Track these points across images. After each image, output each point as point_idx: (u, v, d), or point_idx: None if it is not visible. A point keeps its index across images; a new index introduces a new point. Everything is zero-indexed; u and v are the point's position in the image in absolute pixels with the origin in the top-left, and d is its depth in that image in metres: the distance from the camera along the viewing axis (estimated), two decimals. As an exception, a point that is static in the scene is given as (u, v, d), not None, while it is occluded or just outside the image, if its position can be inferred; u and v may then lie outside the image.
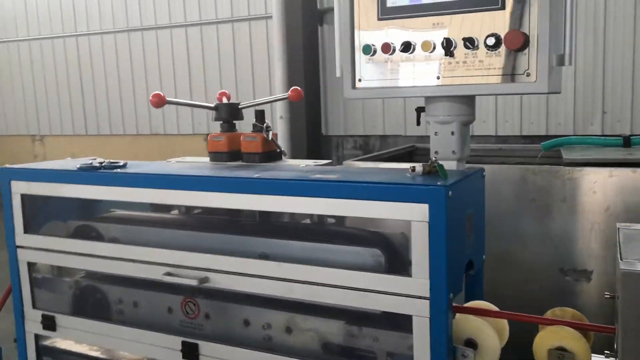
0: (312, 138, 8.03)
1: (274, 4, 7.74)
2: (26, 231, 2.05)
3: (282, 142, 8.05)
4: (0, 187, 2.04)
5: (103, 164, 1.89)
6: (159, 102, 1.93)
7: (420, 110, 1.80)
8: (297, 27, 7.76)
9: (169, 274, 1.74)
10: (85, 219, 2.10)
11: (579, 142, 3.68)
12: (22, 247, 2.08)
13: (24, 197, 2.03)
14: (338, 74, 1.84)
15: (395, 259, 1.53)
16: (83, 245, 1.96)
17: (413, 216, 1.37)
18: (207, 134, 9.10)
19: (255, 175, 1.59)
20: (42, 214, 2.10)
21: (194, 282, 1.68)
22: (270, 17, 8.19)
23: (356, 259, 1.56)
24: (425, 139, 6.75)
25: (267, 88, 8.49)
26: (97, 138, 10.08)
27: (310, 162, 2.02)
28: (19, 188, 2.03)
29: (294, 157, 8.02)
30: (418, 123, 1.86)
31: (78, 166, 1.92)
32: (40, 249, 2.04)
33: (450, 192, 1.36)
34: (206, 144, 8.54)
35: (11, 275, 2.09)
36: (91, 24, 9.75)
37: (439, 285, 1.36)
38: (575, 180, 3.05)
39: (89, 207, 2.16)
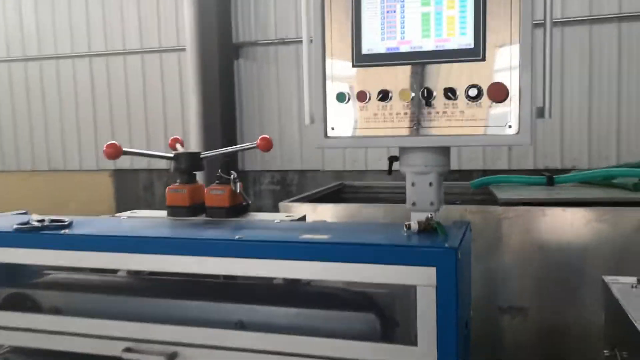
0: (228, 174, 7.83)
1: (187, 36, 7.54)
2: None
3: (198, 178, 7.79)
4: None
5: (44, 224, 1.64)
6: (115, 153, 1.72)
7: (393, 159, 1.75)
8: (213, 60, 7.61)
9: (129, 349, 1.52)
10: (15, 286, 1.82)
11: (505, 180, 3.82)
12: None
13: None
14: (307, 122, 1.75)
15: (393, 325, 1.43)
16: (16, 318, 1.67)
17: (419, 280, 1.29)
18: (114, 170, 8.63)
19: (237, 237, 1.44)
20: None
21: (160, 359, 1.47)
22: (183, 49, 7.99)
23: (348, 325, 1.44)
24: (345, 174, 6.85)
25: (180, 122, 8.22)
26: (-16, 174, 9.21)
27: (280, 215, 1.89)
28: None
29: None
30: (389, 172, 1.80)
31: (15, 227, 1.66)
32: None
33: (459, 254, 1.30)
34: (112, 180, 8.01)
35: None
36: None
37: (448, 354, 1.28)
38: (511, 219, 3.15)
39: (18, 272, 1.88)
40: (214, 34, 7.60)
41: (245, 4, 7.93)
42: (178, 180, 1.87)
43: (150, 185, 8.58)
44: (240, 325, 1.53)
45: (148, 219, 1.87)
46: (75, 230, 1.61)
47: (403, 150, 1.69)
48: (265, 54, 7.89)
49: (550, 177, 3.62)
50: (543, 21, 1.53)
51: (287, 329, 1.45)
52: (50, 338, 1.62)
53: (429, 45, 1.57)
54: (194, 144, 7.71)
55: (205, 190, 1.84)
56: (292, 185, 8.19)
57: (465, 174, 7.13)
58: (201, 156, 1.89)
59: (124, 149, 1.74)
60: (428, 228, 1.47)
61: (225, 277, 1.70)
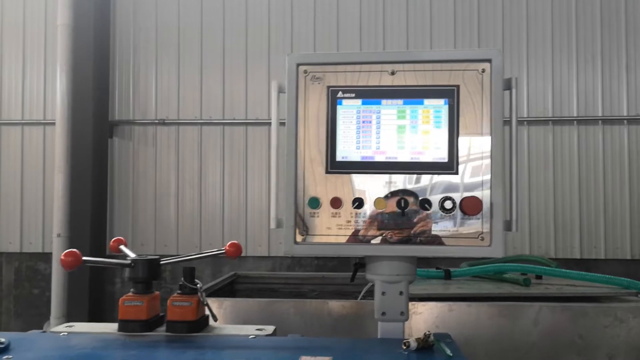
0: (95, 259, 7.21)
1: (58, 110, 7.07)
2: None
3: (58, 263, 7.05)
4: None
5: None
6: (74, 262, 1.47)
7: (359, 266, 1.72)
8: (86, 137, 7.16)
9: None
10: None
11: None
12: None
13: None
14: (273, 226, 1.67)
15: None
16: None
17: None
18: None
19: None
20: None
21: None
22: (50, 123, 7.45)
23: None
24: (223, 260, 6.64)
25: (40, 201, 7.50)
26: None
27: (247, 328, 1.72)
28: None
29: (73, 279, 7.04)
30: (352, 279, 1.77)
31: None
32: None
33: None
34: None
35: None
36: None
37: None
38: (419, 315, 3.23)
39: None
40: (89, 110, 7.20)
41: (124, 82, 7.68)
42: (132, 290, 1.65)
43: (-3, 271, 7.60)
44: None
45: (93, 335, 1.59)
46: (15, 356, 1.32)
47: (374, 258, 1.68)
48: (143, 133, 7.62)
49: (447, 270, 3.81)
50: (509, 137, 1.65)
51: None
52: None
53: (404, 156, 1.61)
54: (56, 225, 7.04)
55: (169, 301, 1.64)
56: (165, 271, 7.73)
57: (343, 262, 7.30)
58: (161, 263, 1.69)
59: (84, 258, 1.50)
60: (427, 346, 1.44)
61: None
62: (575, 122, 7.35)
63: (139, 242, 7.45)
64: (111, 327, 1.66)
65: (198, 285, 1.65)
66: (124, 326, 1.62)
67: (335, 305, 2.91)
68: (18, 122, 7.58)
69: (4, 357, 1.31)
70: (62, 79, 7.08)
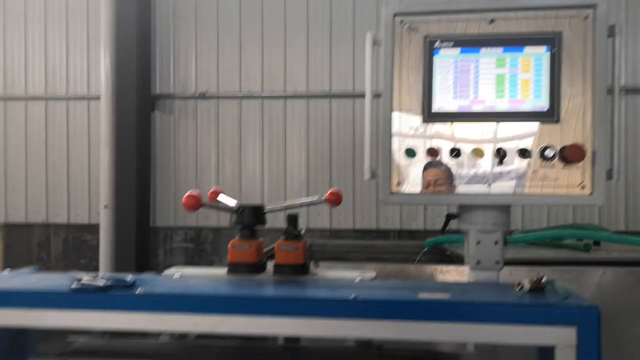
0: (140, 230, 7.36)
1: (103, 85, 7.17)
2: None
3: (106, 234, 7.22)
4: None
5: (105, 283, 1.39)
6: (195, 204, 1.51)
7: (451, 217, 1.74)
8: (130, 112, 7.26)
9: None
10: (41, 355, 1.51)
11: (458, 240, 3.95)
12: None
13: None
14: (367, 177, 1.69)
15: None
16: None
17: (558, 340, 1.26)
18: (4, 224, 7.76)
19: (352, 296, 1.32)
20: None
21: None
22: (93, 98, 7.56)
23: None
24: (263, 232, 6.65)
25: (85, 174, 7.66)
26: None
27: (348, 273, 1.76)
28: None
29: (120, 250, 7.21)
30: (443, 230, 1.79)
31: (72, 286, 1.40)
32: None
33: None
34: (2, 235, 7.23)
35: None
36: None
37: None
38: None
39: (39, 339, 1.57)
40: (132, 84, 7.29)
41: (165, 57, 7.74)
42: (238, 235, 1.69)
43: (46, 242, 7.81)
44: None
45: (212, 278, 1.65)
46: (151, 290, 1.38)
47: (469, 208, 1.69)
48: (183, 107, 7.68)
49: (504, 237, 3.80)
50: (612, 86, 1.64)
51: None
52: None
53: (502, 105, 1.61)
54: (103, 197, 7.20)
55: (276, 246, 1.69)
56: (206, 243, 7.87)
57: (384, 234, 7.33)
58: (265, 210, 1.73)
59: (203, 202, 1.54)
60: (539, 287, 1.46)
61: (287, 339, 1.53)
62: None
63: (181, 214, 7.57)
64: (219, 271, 1.72)
65: (302, 231, 1.69)
66: (233, 268, 1.67)
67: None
68: (63, 97, 7.72)
69: (137, 290, 1.38)
70: (106, 54, 7.17)
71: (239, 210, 1.70)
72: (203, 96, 7.56)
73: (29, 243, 7.79)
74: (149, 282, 1.48)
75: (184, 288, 1.44)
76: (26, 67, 7.72)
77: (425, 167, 1.56)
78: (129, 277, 1.43)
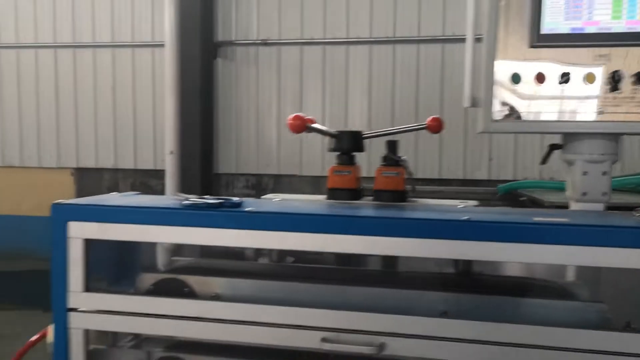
0: (204, 176, 7.55)
1: (167, 32, 7.22)
2: (87, 289, 1.49)
3: (171, 180, 7.43)
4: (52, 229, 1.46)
5: (212, 202, 1.44)
6: (301, 126, 1.53)
7: (554, 147, 1.68)
8: (194, 59, 7.34)
9: (328, 340, 1.34)
10: (166, 271, 1.60)
11: (533, 185, 3.87)
12: (77, 310, 1.51)
13: (88, 244, 1.48)
14: (467, 105, 1.65)
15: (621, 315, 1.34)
16: (185, 306, 1.45)
17: None
18: (76, 168, 8.11)
19: (465, 217, 1.31)
20: (101, 266, 1.56)
21: (368, 350, 1.31)
22: (158, 45, 7.66)
23: (574, 316, 1.34)
24: (322, 180, 6.72)
25: (150, 120, 7.85)
26: None
27: (449, 201, 1.76)
28: (81, 231, 1.48)
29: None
30: (545, 162, 1.74)
31: (185, 203, 1.46)
32: (107, 312, 1.49)
33: None
34: (74, 180, 7.56)
35: (55, 348, 1.50)
36: None
37: None
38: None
39: (162, 256, 1.66)
40: (196, 31, 7.35)
41: (227, 3, 7.72)
42: (337, 161, 1.71)
43: (114, 186, 8.11)
44: (444, 315, 1.41)
45: (314, 203, 1.68)
46: (261, 209, 1.42)
47: (575, 137, 1.64)
48: (245, 54, 7.69)
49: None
50: None
51: (493, 318, 1.34)
52: (226, 328, 1.42)
53: (619, 27, 1.52)
54: (168, 144, 7.38)
55: (376, 172, 1.70)
56: (267, 189, 8.00)
57: (446, 183, 7.24)
58: (363, 136, 1.74)
59: (307, 125, 1.56)
60: None
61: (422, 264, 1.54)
62: None
63: (243, 161, 7.69)
64: (317, 197, 1.75)
65: (403, 158, 1.68)
66: (332, 194, 1.69)
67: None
68: (128, 44, 7.85)
69: (246, 208, 1.42)
70: (170, 0, 7.21)
71: (338, 136, 1.70)
72: (264, 42, 7.53)
73: (100, 187, 8.12)
74: (254, 204, 1.52)
75: (291, 208, 1.47)
76: (93, 16, 7.87)
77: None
78: (235, 199, 1.47)
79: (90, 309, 1.54)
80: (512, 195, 3.87)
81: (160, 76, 7.65)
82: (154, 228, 1.46)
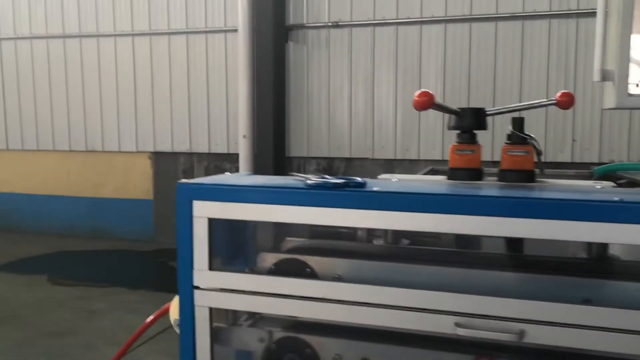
0: (276, 159, 7.62)
1: (240, 17, 7.31)
2: (211, 267, 1.53)
3: (245, 163, 7.57)
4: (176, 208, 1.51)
5: (338, 182, 1.43)
6: (427, 102, 1.50)
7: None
8: (267, 43, 7.39)
9: (462, 325, 1.31)
10: (286, 251, 1.62)
11: (633, 167, 3.65)
12: (202, 288, 1.55)
13: (212, 223, 1.52)
14: (597, 79, 1.56)
15: None
16: (309, 287, 1.47)
17: None
18: (154, 152, 8.38)
19: (616, 198, 1.23)
20: (225, 246, 1.60)
21: (507, 337, 1.27)
22: (231, 30, 7.76)
23: None
24: (395, 163, 6.56)
25: (224, 104, 7.98)
26: (20, 154, 8.93)
27: (575, 182, 1.68)
28: (206, 210, 1.51)
29: (259, 178, 7.55)
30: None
31: (309, 183, 1.46)
32: (231, 291, 1.53)
33: None
34: (152, 163, 7.77)
35: (182, 325, 1.55)
36: (18, 27, 8.69)
37: None
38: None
39: (279, 236, 1.68)
40: (268, 16, 7.38)
41: (298, -14, 7.70)
42: (457, 140, 1.66)
43: (190, 169, 8.34)
44: (587, 303, 1.35)
45: (437, 182, 1.63)
46: (387, 189, 1.40)
47: None
48: (316, 37, 7.66)
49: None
50: None
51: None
52: (350, 310, 1.41)
53: None
54: (241, 128, 7.49)
55: (502, 150, 1.63)
56: (338, 173, 7.99)
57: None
58: (487, 113, 1.68)
59: (434, 102, 1.52)
60: None
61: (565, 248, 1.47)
62: None
63: (314, 144, 7.72)
64: (437, 178, 1.71)
65: (531, 136, 1.60)
66: (454, 174, 1.63)
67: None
68: (202, 30, 7.99)
69: (373, 188, 1.39)
70: (242, -15, 7.27)
71: (460, 113, 1.63)
72: (336, 25, 7.48)
73: (175, 170, 8.37)
74: (375, 184, 1.49)
75: (420, 189, 1.44)
76: (168, 3, 8.05)
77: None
78: (358, 178, 1.45)
79: (214, 287, 1.57)
80: (609, 178, 3.67)
81: (233, 61, 7.78)
82: (279, 208, 1.46)
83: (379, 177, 1.76)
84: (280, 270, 1.63)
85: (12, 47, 8.70)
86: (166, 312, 1.81)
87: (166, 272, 7.18)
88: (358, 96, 7.55)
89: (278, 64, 7.57)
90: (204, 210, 1.54)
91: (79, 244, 8.11)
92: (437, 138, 7.28)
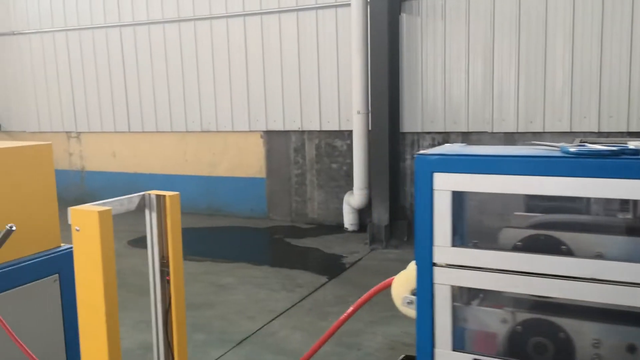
0: (392, 135, 7.46)
1: (354, -11, 7.16)
2: (453, 243, 1.45)
3: (359, 140, 7.47)
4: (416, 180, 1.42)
5: (611, 149, 1.28)
6: None
7: None
8: (381, 16, 7.19)
9: None
10: (522, 226, 1.51)
11: None
12: (442, 265, 1.47)
13: (456, 197, 1.43)
14: None
15: None
16: (567, 264, 1.34)
17: None
18: (265, 131, 8.49)
19: None
20: (459, 221, 1.50)
21: None
22: (341, 5, 7.64)
23: None
24: (516, 136, 6.04)
25: (335, 80, 7.90)
26: (140, 135, 9.35)
27: None
28: (449, 183, 1.43)
29: (373, 154, 7.43)
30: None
31: (574, 151, 1.33)
32: (475, 268, 1.43)
33: None
34: (264, 142, 7.83)
35: (419, 304, 1.48)
36: (136, 14, 9.03)
37: None
38: None
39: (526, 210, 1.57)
40: (383, -12, 7.16)
41: (413, -46, 7.42)
42: None
43: (301, 147, 8.38)
44: None
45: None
46: None
47: None
48: (431, 7, 7.37)
49: None
50: None
51: None
52: (624, 291, 1.28)
53: None
54: (355, 104, 7.39)
55: None
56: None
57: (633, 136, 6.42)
58: None
59: None
60: None
61: None
62: None
63: (429, 119, 7.48)
64: None
65: None
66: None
67: None
68: (312, 6, 7.92)
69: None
70: (356, -42, 7.11)
71: None
72: (453, -7, 7.17)
73: (287, 148, 8.44)
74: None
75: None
76: (278, -20, 8.05)
77: None
78: (632, 145, 1.29)
79: (456, 264, 1.47)
80: None
81: (344, 37, 7.66)
82: (537, 179, 1.34)
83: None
84: (527, 247, 1.50)
85: (132, 33, 9.05)
86: (386, 286, 1.74)
87: (284, 249, 7.29)
88: (477, 67, 7.22)
89: (392, 37, 7.37)
90: (447, 183, 1.45)
91: (198, 221, 8.40)
92: (564, 108, 6.83)
